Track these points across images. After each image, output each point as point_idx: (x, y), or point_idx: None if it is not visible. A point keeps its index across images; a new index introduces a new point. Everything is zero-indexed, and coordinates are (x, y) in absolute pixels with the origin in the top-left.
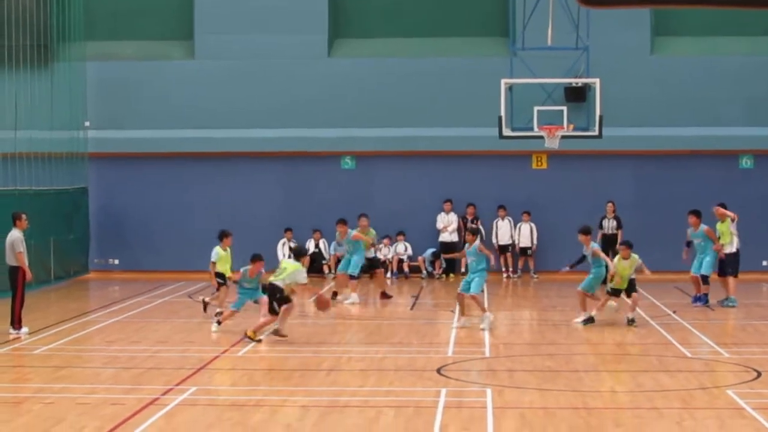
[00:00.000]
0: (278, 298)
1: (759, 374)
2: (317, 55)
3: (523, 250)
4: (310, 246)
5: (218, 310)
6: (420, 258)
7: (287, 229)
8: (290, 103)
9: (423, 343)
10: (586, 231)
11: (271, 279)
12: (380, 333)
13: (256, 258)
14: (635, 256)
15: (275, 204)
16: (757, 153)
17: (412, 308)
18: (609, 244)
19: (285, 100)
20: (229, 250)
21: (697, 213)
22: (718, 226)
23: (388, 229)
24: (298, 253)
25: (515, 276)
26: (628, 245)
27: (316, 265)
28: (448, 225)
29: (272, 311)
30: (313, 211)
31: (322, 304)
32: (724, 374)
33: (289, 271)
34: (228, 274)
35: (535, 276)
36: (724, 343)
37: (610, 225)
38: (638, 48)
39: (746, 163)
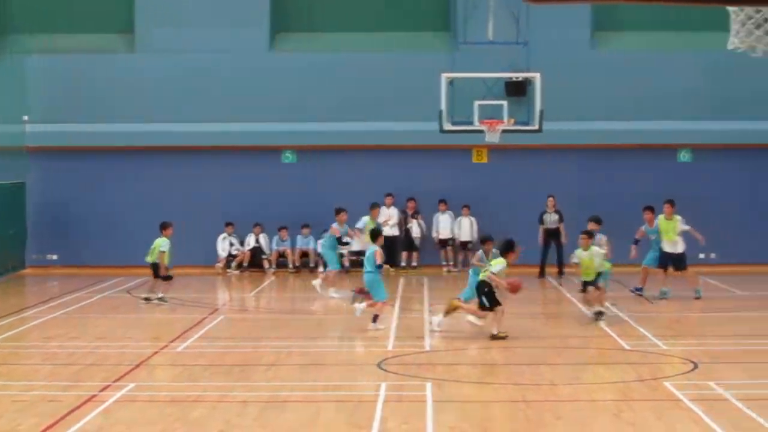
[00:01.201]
0: (486, 292)
1: (696, 366)
2: (259, 49)
3: (464, 244)
4: (251, 241)
5: (146, 295)
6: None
7: (228, 224)
8: (231, 97)
9: (363, 337)
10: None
11: (480, 277)
12: (321, 327)
13: (374, 205)
14: (595, 247)
15: (216, 198)
16: (696, 147)
17: (352, 302)
18: (551, 239)
19: (226, 94)
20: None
21: (651, 209)
22: (663, 223)
23: (329, 223)
24: (375, 234)
25: (456, 270)
26: (588, 235)
27: (256, 260)
28: (389, 219)
29: (482, 307)
30: (253, 205)
31: (514, 288)
32: (662, 366)
33: (493, 265)
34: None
35: None
36: (662, 335)
37: (551, 219)
38: (579, 42)
39: (684, 156)
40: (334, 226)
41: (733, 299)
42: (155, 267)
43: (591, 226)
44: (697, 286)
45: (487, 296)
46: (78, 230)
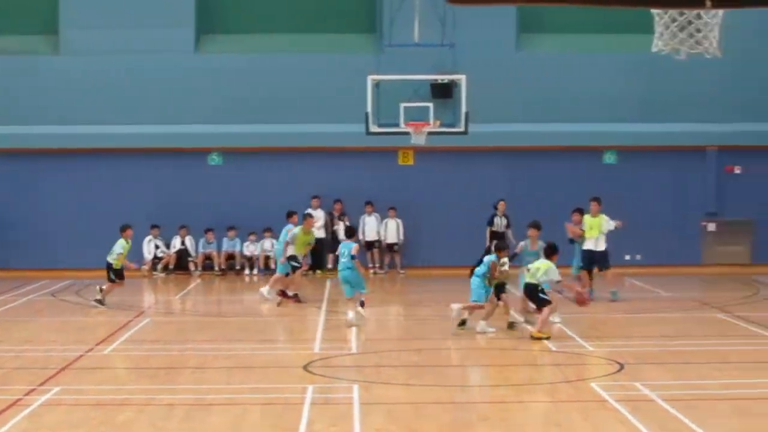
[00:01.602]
0: (539, 294)
1: (622, 366)
2: (184, 50)
3: (390, 246)
4: (176, 243)
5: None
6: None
7: (154, 226)
8: (157, 99)
9: (290, 339)
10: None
11: (527, 280)
12: (247, 330)
13: (307, 215)
14: (505, 260)
15: (142, 200)
16: (620, 149)
17: (278, 305)
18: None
19: (151, 96)
20: (130, 242)
21: (581, 210)
22: (588, 220)
23: (255, 225)
24: (352, 232)
25: (382, 272)
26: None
27: (182, 263)
28: (315, 221)
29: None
30: (179, 207)
31: (581, 302)
32: (588, 367)
33: (543, 269)
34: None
35: (402, 272)
36: (588, 336)
37: (500, 223)
38: (504, 45)
39: (609, 158)
40: (292, 228)
41: (658, 300)
42: (110, 268)
43: (531, 232)
44: (615, 288)
45: (539, 296)
46: (2, 233)
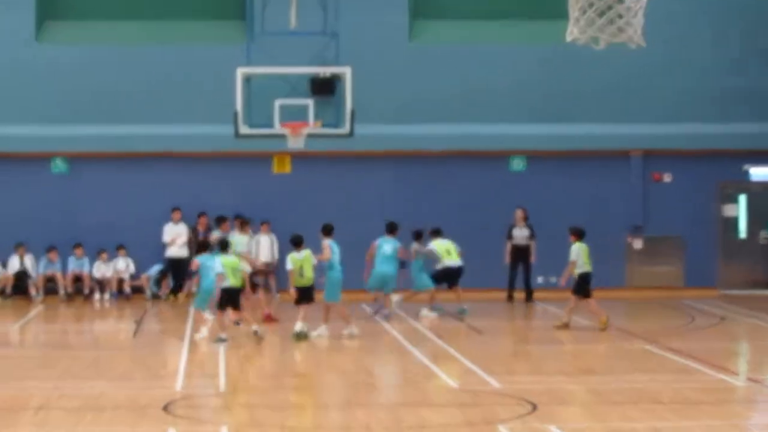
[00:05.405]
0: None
1: (534, 407)
2: (23, 39)
3: (263, 266)
4: (15, 263)
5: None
6: (144, 276)
7: None
8: None
9: (147, 376)
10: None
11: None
12: (97, 365)
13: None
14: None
15: None
16: (530, 154)
17: (134, 335)
18: (520, 257)
19: None
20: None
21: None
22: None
23: (107, 242)
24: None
25: (253, 295)
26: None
27: (21, 286)
28: (176, 237)
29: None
30: (17, 222)
31: None
32: (495, 407)
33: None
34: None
35: (277, 295)
36: (494, 371)
37: (521, 234)
38: (395, 33)
39: (518, 165)
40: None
41: (575, 329)
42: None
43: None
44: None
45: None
46: None
